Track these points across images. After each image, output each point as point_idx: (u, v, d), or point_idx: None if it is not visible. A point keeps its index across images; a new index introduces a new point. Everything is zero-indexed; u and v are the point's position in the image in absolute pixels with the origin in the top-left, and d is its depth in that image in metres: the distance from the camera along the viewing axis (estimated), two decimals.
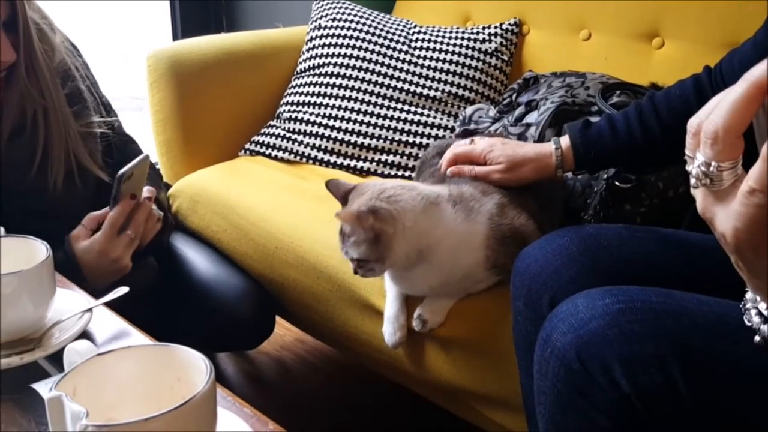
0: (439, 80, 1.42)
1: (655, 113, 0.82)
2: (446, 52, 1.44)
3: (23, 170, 0.93)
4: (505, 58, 1.46)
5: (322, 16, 1.52)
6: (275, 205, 1.19)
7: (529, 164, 0.89)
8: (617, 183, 0.94)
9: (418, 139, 1.37)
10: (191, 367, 0.45)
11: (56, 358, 0.63)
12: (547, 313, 0.68)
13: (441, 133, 1.38)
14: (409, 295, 0.95)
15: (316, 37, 1.49)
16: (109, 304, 0.71)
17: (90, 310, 0.68)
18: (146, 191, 0.94)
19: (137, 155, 0.92)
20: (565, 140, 0.88)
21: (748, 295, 0.51)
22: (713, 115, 0.38)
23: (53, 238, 0.89)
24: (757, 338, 0.49)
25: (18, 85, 0.89)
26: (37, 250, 0.67)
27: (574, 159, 0.86)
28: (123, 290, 0.70)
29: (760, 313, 0.49)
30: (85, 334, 0.67)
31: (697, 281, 0.67)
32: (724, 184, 0.39)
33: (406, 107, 1.40)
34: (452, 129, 1.37)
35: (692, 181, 0.40)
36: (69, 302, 0.70)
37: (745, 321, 0.50)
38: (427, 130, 1.38)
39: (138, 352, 0.47)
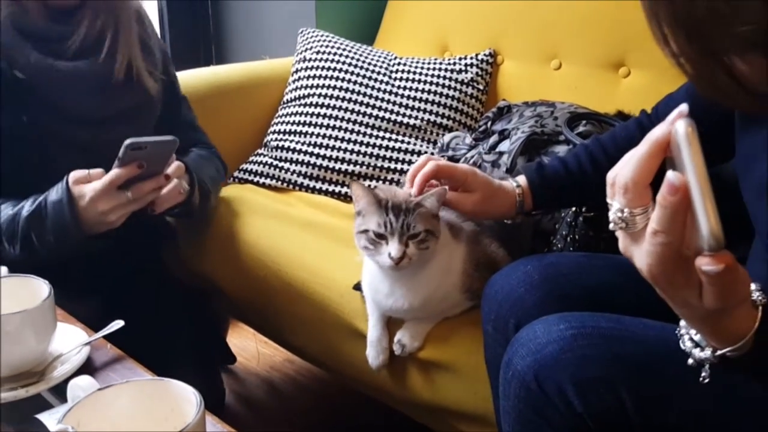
0: (419, 109, 1.48)
1: (603, 151, 0.89)
2: (425, 82, 1.51)
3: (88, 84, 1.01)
4: (481, 87, 1.53)
5: (306, 49, 1.59)
6: (262, 232, 1.23)
7: (500, 198, 0.91)
8: (582, 211, 1.00)
9: (399, 166, 1.43)
10: (183, 400, 0.51)
11: (57, 390, 0.69)
12: (512, 336, 0.74)
13: None
14: (390, 321, 1.01)
15: (302, 68, 1.55)
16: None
17: (88, 343, 0.73)
18: (172, 167, 0.97)
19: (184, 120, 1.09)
20: (522, 179, 0.91)
21: (682, 322, 0.57)
22: (624, 170, 0.45)
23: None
24: (690, 361, 0.54)
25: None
26: (39, 288, 0.72)
27: (533, 198, 0.89)
28: (119, 324, 0.75)
29: (691, 338, 0.55)
30: (85, 364, 0.72)
31: (650, 306, 0.73)
32: (638, 227, 0.46)
33: (387, 135, 1.46)
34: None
35: (611, 225, 0.47)
36: (68, 336, 0.75)
37: (681, 345, 0.56)
38: (407, 157, 1.44)
39: (135, 387, 0.52)
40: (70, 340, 0.74)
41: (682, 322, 0.57)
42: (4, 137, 0.96)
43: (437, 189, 0.86)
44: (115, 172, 0.91)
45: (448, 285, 0.94)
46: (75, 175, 0.93)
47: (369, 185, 0.95)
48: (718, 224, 0.41)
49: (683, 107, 0.44)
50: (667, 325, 0.68)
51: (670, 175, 0.42)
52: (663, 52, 0.48)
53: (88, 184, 0.92)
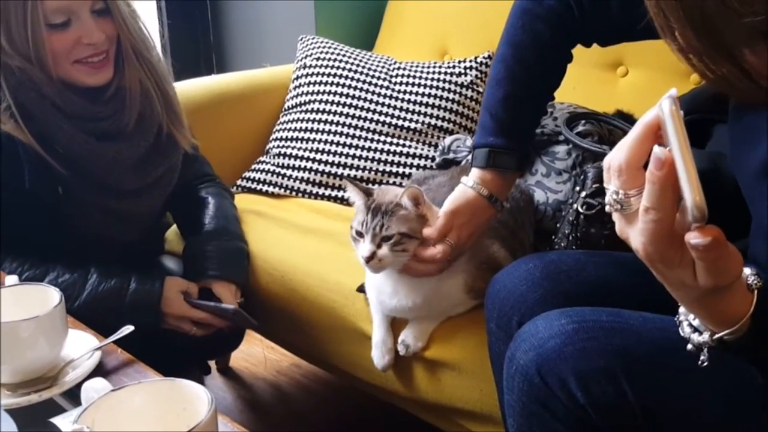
0: (419, 113, 1.49)
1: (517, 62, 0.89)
2: (425, 86, 1.52)
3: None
4: (481, 89, 1.54)
5: (306, 56, 1.61)
6: (267, 241, 1.25)
7: (478, 212, 0.90)
8: (581, 210, 1.02)
9: (400, 169, 1.45)
10: (195, 398, 0.52)
11: (70, 394, 0.70)
12: (515, 333, 0.75)
13: (422, 162, 1.46)
14: (394, 322, 1.02)
15: (302, 75, 1.57)
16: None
17: (99, 348, 0.74)
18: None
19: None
20: (474, 173, 0.90)
21: (681, 309, 0.57)
22: (618, 153, 0.47)
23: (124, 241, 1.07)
24: (689, 346, 0.55)
25: (132, 66, 1.01)
26: (50, 296, 0.74)
27: (514, 157, 0.89)
28: (129, 329, 0.77)
29: (690, 324, 0.56)
30: (96, 369, 0.73)
31: (648, 300, 0.74)
32: (632, 208, 0.47)
33: (388, 139, 1.47)
34: (432, 158, 1.45)
35: (607, 207, 0.48)
36: (79, 341, 0.77)
37: (680, 332, 0.57)
38: (408, 161, 1.46)
39: (148, 387, 0.53)
40: (82, 346, 0.76)
41: (681, 309, 0.58)
42: (35, 205, 0.97)
43: (408, 188, 0.89)
44: (204, 314, 1.03)
45: (450, 285, 0.96)
46: (173, 282, 1.03)
47: (369, 186, 0.97)
48: (701, 195, 0.43)
49: (672, 91, 0.46)
50: (665, 317, 0.69)
51: (656, 150, 0.44)
52: (670, 47, 0.50)
53: (182, 305, 1.02)
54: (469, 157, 1.35)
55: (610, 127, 1.23)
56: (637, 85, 1.40)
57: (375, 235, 0.89)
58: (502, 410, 0.85)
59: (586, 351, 0.64)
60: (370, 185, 1.42)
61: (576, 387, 0.63)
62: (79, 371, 0.71)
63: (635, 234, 0.47)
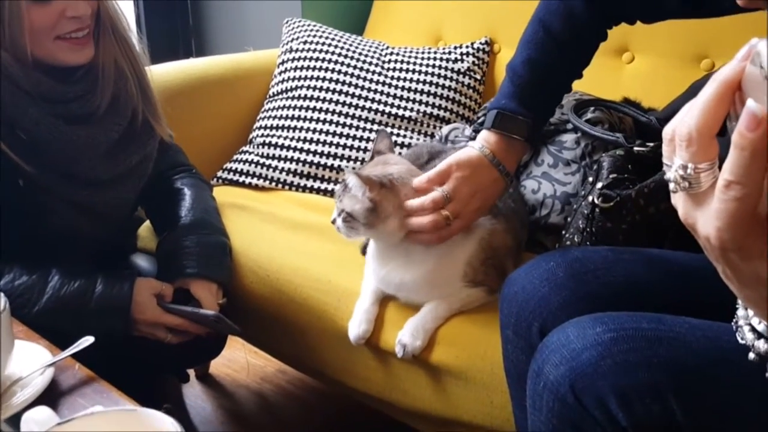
0: (414, 100, 1.41)
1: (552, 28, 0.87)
2: (419, 72, 1.44)
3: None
4: (478, 77, 1.46)
5: (292, 39, 1.51)
6: (250, 237, 1.16)
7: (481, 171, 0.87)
8: (598, 202, 0.93)
9: None
10: (160, 431, 0.42)
11: (17, 420, 0.59)
12: (537, 342, 0.66)
13: None
14: (390, 320, 0.93)
15: (288, 60, 1.47)
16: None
17: (53, 363, 0.64)
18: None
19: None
20: (483, 136, 0.88)
21: (740, 312, 0.49)
22: (686, 118, 0.38)
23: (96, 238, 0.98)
24: (751, 355, 0.47)
25: (109, 43, 0.94)
26: None
27: (528, 126, 0.87)
28: (88, 340, 0.66)
29: (753, 329, 0.47)
30: (49, 389, 0.62)
31: (685, 303, 0.66)
32: (703, 186, 0.38)
33: (381, 128, 1.38)
34: None
35: (671, 186, 0.39)
36: (29, 355, 0.66)
37: (739, 339, 0.49)
38: (403, 151, 1.36)
39: (103, 418, 0.43)
40: (32, 361, 0.65)
41: (740, 312, 0.50)
42: None
43: (352, 172, 0.86)
44: (180, 320, 0.94)
45: (446, 272, 0.90)
46: (145, 283, 0.94)
47: (382, 152, 0.97)
48: None
49: (754, 40, 0.37)
50: (713, 322, 0.61)
51: (751, 105, 0.34)
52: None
53: (153, 309, 0.93)
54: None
55: (620, 114, 1.16)
56: (643, 71, 1.35)
57: (336, 205, 0.89)
58: (518, 427, 0.77)
59: (628, 364, 0.55)
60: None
61: (616, 406, 0.54)
62: (29, 391, 0.60)
63: (707, 217, 0.38)
